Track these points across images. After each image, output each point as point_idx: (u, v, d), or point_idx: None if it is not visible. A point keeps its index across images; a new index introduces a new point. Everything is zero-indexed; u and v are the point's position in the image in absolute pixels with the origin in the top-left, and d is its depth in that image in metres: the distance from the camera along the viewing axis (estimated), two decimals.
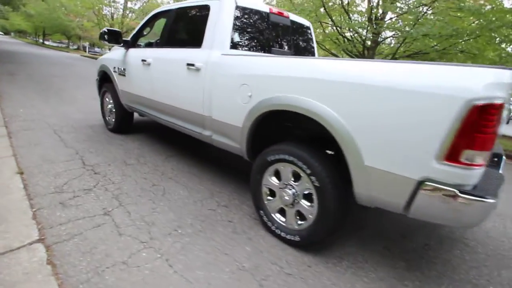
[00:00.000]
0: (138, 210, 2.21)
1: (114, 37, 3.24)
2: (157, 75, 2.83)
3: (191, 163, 3.25)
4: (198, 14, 2.58)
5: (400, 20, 9.36)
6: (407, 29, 8.82)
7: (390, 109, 1.38)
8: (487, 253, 2.16)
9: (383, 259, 1.94)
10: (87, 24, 27.88)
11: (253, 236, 2.03)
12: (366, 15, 10.09)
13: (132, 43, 3.37)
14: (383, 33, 9.91)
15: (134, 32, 3.40)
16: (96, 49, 39.62)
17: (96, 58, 17.41)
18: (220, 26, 2.29)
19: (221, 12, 2.30)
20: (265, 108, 1.85)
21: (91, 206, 2.20)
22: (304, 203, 1.84)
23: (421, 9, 8.48)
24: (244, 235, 2.04)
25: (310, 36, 3.12)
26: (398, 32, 8.92)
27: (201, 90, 2.35)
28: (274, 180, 1.99)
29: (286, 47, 2.81)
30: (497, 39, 7.84)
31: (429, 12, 8.52)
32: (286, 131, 2.20)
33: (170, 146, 3.75)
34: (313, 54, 3.18)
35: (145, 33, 3.43)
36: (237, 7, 2.33)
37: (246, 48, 2.44)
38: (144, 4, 23.49)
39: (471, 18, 8.22)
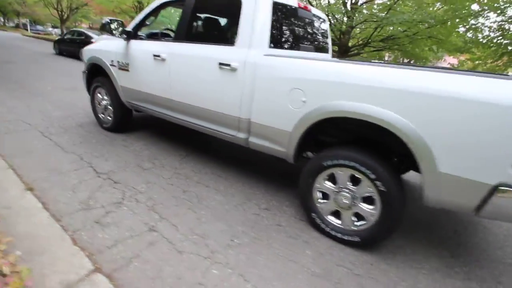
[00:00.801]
0: (184, 222, 2.10)
1: (117, 28, 2.88)
2: (176, 73, 2.61)
3: (210, 163, 3.13)
4: (226, 7, 2.39)
5: (374, 6, 9.64)
6: (381, 14, 9.14)
7: (466, 119, 1.45)
8: (504, 233, 2.46)
9: (428, 249, 2.11)
10: None
11: (309, 239, 2.07)
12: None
13: (134, 35, 3.03)
14: (357, 18, 10.15)
15: (135, 21, 3.05)
16: (39, 27, 34.79)
17: (40, 38, 15.42)
18: (258, 24, 2.15)
19: (258, 8, 2.16)
20: (325, 114, 1.82)
21: (131, 222, 2.04)
22: (364, 205, 1.90)
23: None
24: (299, 239, 2.06)
25: (326, 29, 3.08)
26: (374, 17, 9.18)
27: (238, 91, 2.23)
28: (328, 184, 2.01)
29: (310, 43, 2.76)
30: (461, 27, 8.51)
31: None
32: (328, 133, 2.22)
33: (179, 145, 3.56)
34: (327, 49, 3.16)
35: (147, 23, 3.09)
36: (273, 3, 2.20)
37: (280, 46, 2.34)
38: None
39: (438, 4, 8.75)
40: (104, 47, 3.34)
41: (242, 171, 3.02)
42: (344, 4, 10.10)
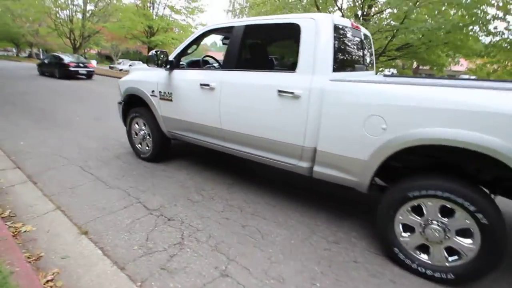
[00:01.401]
0: (254, 264, 1.94)
1: (163, 59, 2.84)
2: (227, 101, 2.52)
3: (259, 192, 2.98)
4: (282, 33, 2.32)
5: (385, 15, 9.63)
6: (394, 23, 9.09)
7: None
8: None
9: None
10: (42, 30, 25.20)
11: (394, 277, 1.87)
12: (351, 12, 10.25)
13: (176, 64, 2.99)
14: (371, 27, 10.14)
15: (176, 50, 3.01)
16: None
17: None
18: (321, 49, 2.06)
19: (320, 33, 2.07)
20: (414, 142, 1.68)
21: (199, 267, 1.88)
22: (459, 239, 1.72)
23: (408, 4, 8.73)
24: (383, 278, 1.87)
25: (371, 46, 2.98)
26: (388, 27, 9.13)
27: (301, 120, 2.11)
28: (414, 216, 1.84)
29: (362, 62, 2.65)
30: (479, 31, 8.38)
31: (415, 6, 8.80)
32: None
33: (222, 172, 3.43)
34: (373, 66, 3.06)
35: (189, 51, 3.05)
36: (334, 26, 2.11)
37: (341, 69, 2.23)
38: (107, 5, 21.75)
39: (454, 10, 8.67)
40: (144, 77, 3.30)
41: (294, 199, 2.86)
42: (356, 15, 10.14)
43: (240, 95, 2.44)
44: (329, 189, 3.00)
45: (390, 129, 1.76)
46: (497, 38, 8.08)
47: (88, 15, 22.23)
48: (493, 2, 7.58)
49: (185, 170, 3.46)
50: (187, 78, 2.86)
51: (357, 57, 2.53)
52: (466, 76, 11.06)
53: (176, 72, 2.97)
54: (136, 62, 30.33)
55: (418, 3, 8.18)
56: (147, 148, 3.60)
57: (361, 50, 2.63)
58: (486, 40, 9.08)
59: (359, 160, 1.94)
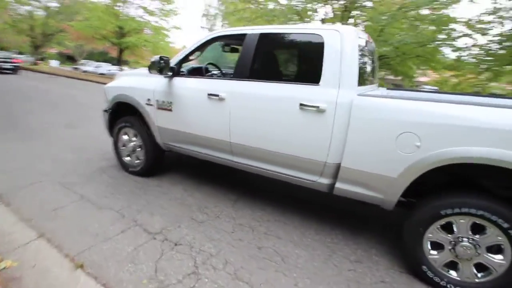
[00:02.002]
0: None
1: (165, 65, 2.60)
2: (240, 114, 2.35)
3: (266, 207, 2.83)
4: (301, 44, 2.21)
5: (365, 29, 10.04)
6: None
7: None
8: None
9: None
10: None
11: None
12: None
13: (177, 71, 2.75)
14: None
15: (178, 57, 2.78)
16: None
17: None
18: (347, 63, 1.98)
19: (345, 46, 1.99)
20: (450, 160, 1.64)
21: None
22: (490, 256, 1.71)
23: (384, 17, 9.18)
24: None
25: (376, 60, 2.99)
26: None
27: (325, 135, 2.01)
28: (444, 233, 1.81)
29: (373, 75, 2.64)
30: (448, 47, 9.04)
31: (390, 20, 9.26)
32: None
33: (222, 187, 3.22)
34: (377, 80, 3.07)
35: (191, 58, 2.83)
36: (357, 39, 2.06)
37: (362, 83, 2.17)
38: (73, 3, 20.30)
39: (428, 27, 9.28)
40: (137, 84, 3.01)
41: (305, 215, 2.74)
42: None
43: (254, 107, 2.28)
44: (340, 204, 2.93)
45: (424, 147, 1.72)
46: (464, 54, 8.75)
47: (51, 12, 20.56)
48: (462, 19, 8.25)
49: (180, 185, 3.20)
50: (191, 86, 2.65)
51: (370, 71, 2.51)
52: (429, 87, 11.91)
53: (178, 80, 2.73)
54: (103, 64, 28.69)
55: (394, 18, 8.62)
56: (137, 161, 3.28)
57: (373, 64, 2.61)
58: (451, 54, 9.84)
59: (388, 177, 1.87)
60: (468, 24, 8.44)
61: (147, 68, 2.69)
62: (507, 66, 8.42)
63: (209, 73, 3.31)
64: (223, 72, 3.44)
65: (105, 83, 3.84)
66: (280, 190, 3.22)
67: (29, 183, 2.93)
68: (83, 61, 34.63)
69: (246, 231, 2.40)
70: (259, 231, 2.42)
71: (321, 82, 2.05)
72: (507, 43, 8.29)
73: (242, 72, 2.38)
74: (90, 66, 28.36)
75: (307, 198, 3.09)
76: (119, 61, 20.77)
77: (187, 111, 2.67)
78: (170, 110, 2.77)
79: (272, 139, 2.25)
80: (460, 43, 8.52)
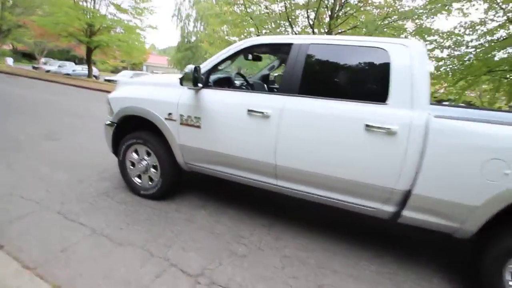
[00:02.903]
0: None
1: (199, 77, 2.26)
2: (290, 134, 2.09)
3: (305, 233, 2.57)
4: (364, 58, 2.00)
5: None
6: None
7: None
8: None
9: None
10: None
11: None
12: None
13: (206, 82, 2.42)
14: None
15: (207, 65, 2.45)
16: None
17: None
18: (418, 80, 1.82)
19: (415, 63, 1.83)
20: None
21: None
22: None
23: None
24: None
25: None
26: None
27: (396, 159, 1.83)
28: None
29: None
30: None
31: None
32: None
33: (248, 209, 2.91)
34: None
35: (220, 68, 2.52)
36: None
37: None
38: None
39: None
40: (154, 95, 2.62)
41: (347, 239, 2.54)
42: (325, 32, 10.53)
43: (309, 127, 2.03)
44: (382, 228, 2.77)
45: None
46: (443, 64, 9.24)
47: (7, 5, 18.48)
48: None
49: (202, 209, 2.85)
50: (225, 101, 2.33)
51: None
52: None
53: (207, 92, 2.40)
54: (66, 63, 26.58)
55: (384, 27, 8.86)
56: (150, 183, 2.87)
57: None
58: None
59: (469, 206, 1.73)
60: (444, 35, 8.94)
61: (179, 80, 2.33)
62: (482, 76, 9.03)
63: (234, 84, 2.99)
64: (249, 82, 3.14)
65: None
66: (314, 212, 3.00)
67: (20, 215, 2.41)
68: (43, 59, 31.88)
69: (297, 266, 2.14)
70: (311, 264, 2.17)
71: (388, 101, 1.86)
72: (481, 55, 8.90)
73: (291, 87, 2.12)
74: (53, 65, 26.15)
75: (345, 220, 2.90)
76: (88, 61, 19.29)
77: (220, 128, 2.35)
78: (198, 126, 2.43)
79: (330, 163, 2.02)
80: (444, 54, 8.96)
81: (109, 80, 19.13)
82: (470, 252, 2.01)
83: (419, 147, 1.78)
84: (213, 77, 2.63)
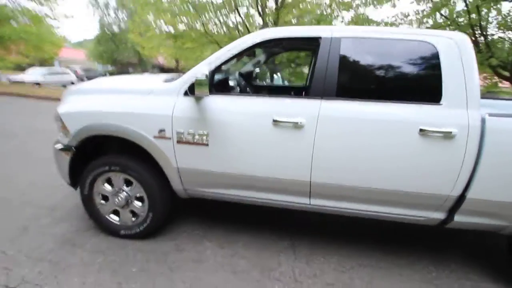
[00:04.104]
0: None
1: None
2: (331, 145, 1.73)
3: (332, 248, 2.32)
4: (408, 53, 1.74)
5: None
6: None
7: None
8: None
9: None
10: None
11: None
12: None
13: (211, 88, 1.88)
14: None
15: (210, 65, 1.90)
16: None
17: None
18: (470, 77, 1.65)
19: (465, 57, 1.66)
20: None
21: None
22: None
23: None
24: None
25: None
26: None
27: (454, 164, 1.66)
28: None
29: None
30: None
31: None
32: None
33: (258, 230, 2.51)
34: None
35: (224, 68, 1.99)
36: None
37: None
38: None
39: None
40: (132, 107, 1.95)
41: (375, 249, 2.36)
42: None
43: (352, 135, 1.72)
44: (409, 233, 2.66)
45: None
46: None
47: None
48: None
49: (206, 239, 2.33)
50: (242, 110, 1.84)
51: None
52: None
53: (214, 100, 1.87)
54: None
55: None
56: (134, 219, 2.22)
57: None
58: None
59: None
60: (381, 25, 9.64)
61: (187, 91, 1.75)
62: None
63: (233, 87, 2.48)
64: (259, 85, 2.65)
65: None
66: (333, 222, 2.74)
67: None
68: None
69: None
70: (357, 285, 1.92)
71: (443, 101, 1.67)
72: None
73: (326, 89, 1.77)
74: None
75: (372, 227, 2.71)
76: None
77: (237, 145, 1.87)
78: (205, 144, 1.90)
79: (377, 175, 1.76)
80: None
81: (16, 82, 15.56)
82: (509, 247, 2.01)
83: (476, 149, 1.65)
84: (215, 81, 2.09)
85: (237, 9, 9.37)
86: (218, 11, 9.95)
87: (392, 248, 2.36)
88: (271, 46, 2.42)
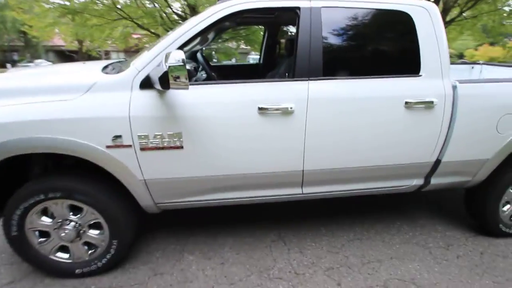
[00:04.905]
0: None
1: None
2: (324, 129, 1.60)
3: (321, 234, 2.29)
4: (385, 24, 1.65)
5: None
6: None
7: None
8: None
9: None
10: None
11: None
12: None
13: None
14: None
15: (169, 44, 1.47)
16: None
17: None
18: (443, 47, 1.69)
19: (437, 27, 1.67)
20: None
21: None
22: None
23: None
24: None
25: None
26: None
27: (434, 133, 1.75)
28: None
29: None
30: None
31: None
32: None
33: (233, 226, 2.30)
34: None
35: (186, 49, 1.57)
36: None
37: None
38: None
39: None
40: (69, 111, 1.42)
41: (351, 218, 2.44)
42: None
43: (344, 116, 1.61)
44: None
45: None
46: None
47: None
48: None
49: (188, 253, 2.02)
50: (221, 100, 1.52)
51: None
52: None
53: (183, 91, 1.50)
54: None
55: None
56: (91, 251, 1.76)
57: None
58: None
59: (485, 160, 1.89)
60: None
61: (158, 84, 1.30)
62: None
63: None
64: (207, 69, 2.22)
65: None
66: (306, 205, 2.69)
67: None
68: None
69: (346, 270, 1.86)
70: (356, 264, 1.94)
71: (422, 73, 1.69)
72: None
73: (311, 69, 1.58)
74: None
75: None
76: None
77: (219, 142, 1.57)
78: (178, 147, 1.54)
79: (369, 153, 1.73)
80: None
81: None
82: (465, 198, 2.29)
83: (449, 115, 1.75)
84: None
85: None
86: None
87: (370, 218, 2.47)
88: (238, 20, 2.09)
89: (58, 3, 9.69)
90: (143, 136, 1.50)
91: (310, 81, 1.60)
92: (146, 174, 1.59)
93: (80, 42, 17.38)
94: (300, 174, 1.74)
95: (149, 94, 1.49)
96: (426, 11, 1.70)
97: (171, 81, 1.28)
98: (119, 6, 8.99)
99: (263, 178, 1.71)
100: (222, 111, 1.54)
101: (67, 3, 9.59)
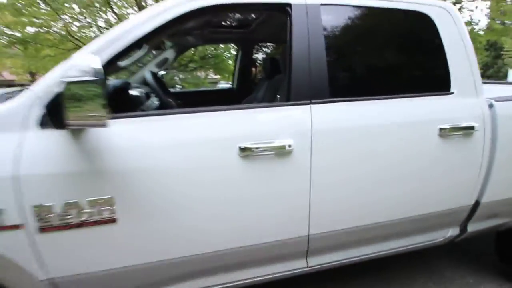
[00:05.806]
0: None
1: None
2: (333, 174, 1.09)
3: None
4: (402, 27, 1.23)
5: None
6: None
7: None
8: None
9: None
10: None
11: None
12: None
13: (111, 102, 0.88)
14: None
15: (101, 57, 0.90)
16: None
17: None
18: (471, 56, 1.31)
19: (463, 32, 1.31)
20: None
21: None
22: None
23: None
24: None
25: None
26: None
27: (475, 165, 1.30)
28: None
29: None
30: None
31: None
32: None
33: None
34: None
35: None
36: None
37: None
38: None
39: None
40: None
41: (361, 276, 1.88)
42: None
43: (366, 153, 1.11)
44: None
45: None
46: None
47: None
48: None
49: None
50: (179, 140, 0.96)
51: None
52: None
53: (116, 127, 0.91)
54: None
55: None
56: None
57: None
58: None
59: None
60: None
61: (46, 118, 0.71)
62: None
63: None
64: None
65: None
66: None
67: None
68: None
69: None
70: None
71: (453, 89, 1.27)
72: None
73: (313, 89, 1.09)
74: None
75: None
76: None
77: (179, 207, 0.98)
78: (109, 220, 0.92)
79: (398, 203, 1.23)
80: None
81: None
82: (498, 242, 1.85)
83: (490, 143, 1.33)
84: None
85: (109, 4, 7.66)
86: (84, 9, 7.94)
87: (392, 272, 1.93)
88: (210, 20, 1.57)
89: (6, 32, 8.77)
90: (43, 208, 0.87)
91: (312, 105, 1.10)
92: (53, 270, 0.93)
93: (33, 75, 16.07)
94: (305, 240, 1.17)
95: (51, 136, 0.88)
96: (447, 13, 1.32)
97: (70, 111, 0.70)
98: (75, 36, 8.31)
99: (250, 253, 1.12)
100: (181, 158, 0.96)
101: (17, 34, 8.74)
